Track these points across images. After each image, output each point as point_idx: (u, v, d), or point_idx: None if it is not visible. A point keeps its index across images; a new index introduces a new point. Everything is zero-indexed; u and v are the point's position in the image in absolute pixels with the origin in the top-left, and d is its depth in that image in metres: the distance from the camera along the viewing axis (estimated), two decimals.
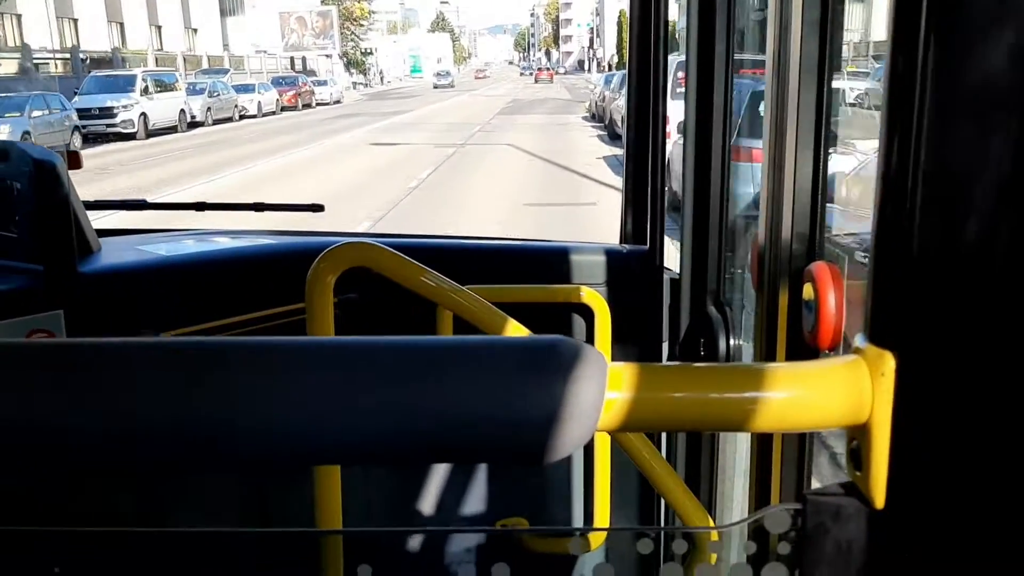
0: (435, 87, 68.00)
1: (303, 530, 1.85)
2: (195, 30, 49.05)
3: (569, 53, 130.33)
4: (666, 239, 2.22)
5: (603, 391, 0.56)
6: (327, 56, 64.86)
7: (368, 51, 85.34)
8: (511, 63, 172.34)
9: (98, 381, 0.55)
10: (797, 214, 1.41)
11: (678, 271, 2.10)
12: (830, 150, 1.44)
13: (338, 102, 45.85)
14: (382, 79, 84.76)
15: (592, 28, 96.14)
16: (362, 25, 78.98)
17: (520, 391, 0.55)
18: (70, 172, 1.92)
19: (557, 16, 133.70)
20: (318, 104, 43.25)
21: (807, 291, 1.33)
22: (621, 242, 2.38)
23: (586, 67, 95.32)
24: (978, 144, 0.52)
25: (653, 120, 2.20)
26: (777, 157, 1.45)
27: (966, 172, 0.53)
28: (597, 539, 2.15)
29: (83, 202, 2.03)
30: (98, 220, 2.22)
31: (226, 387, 0.55)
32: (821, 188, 1.41)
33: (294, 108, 39.98)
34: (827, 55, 1.38)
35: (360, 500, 2.19)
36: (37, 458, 0.56)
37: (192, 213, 2.67)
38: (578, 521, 2.37)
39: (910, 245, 0.54)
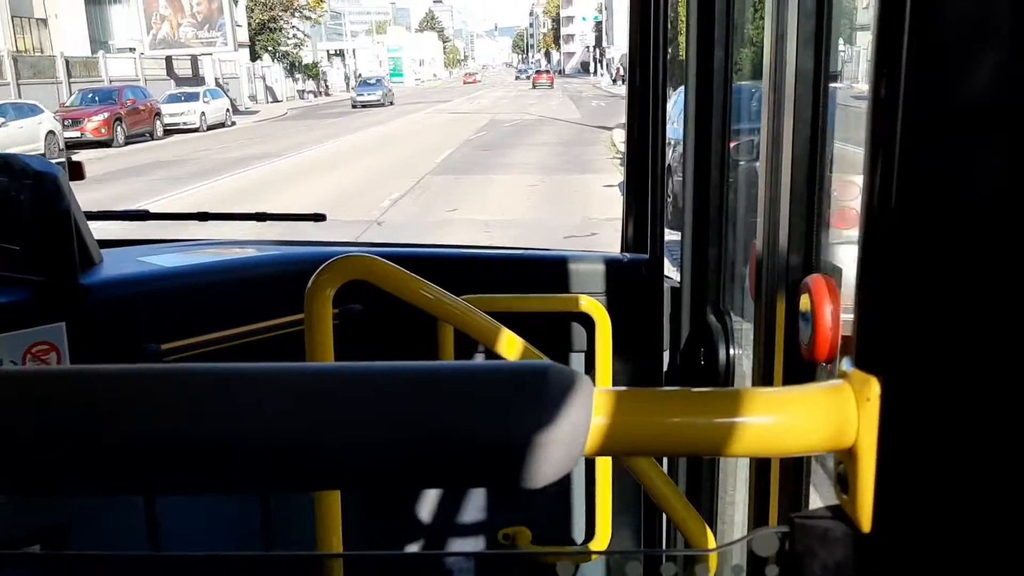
0: (354, 106, 42.82)
1: (303, 553, 1.86)
2: (43, 21, 35.31)
3: (571, 54, 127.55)
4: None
5: (589, 417, 0.57)
6: (260, 59, 44.32)
7: (338, 52, 73.24)
8: (509, 65, 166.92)
9: (103, 406, 0.57)
10: (794, 226, 1.42)
11: (678, 280, 2.10)
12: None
13: (222, 125, 30.80)
14: (348, 85, 63.60)
15: (599, 23, 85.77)
16: (308, 18, 56.96)
17: (506, 417, 0.56)
18: (71, 183, 1.93)
19: (558, 13, 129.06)
20: (172, 130, 28.22)
21: (804, 303, 1.33)
22: (622, 251, 2.38)
23: (592, 69, 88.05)
24: (962, 167, 0.53)
25: (653, 129, 2.20)
26: (774, 169, 1.45)
27: (951, 196, 0.53)
28: (597, 549, 2.15)
29: (84, 213, 2.04)
30: (99, 231, 2.22)
31: (224, 414, 0.57)
32: (818, 200, 1.41)
33: (106, 143, 24.44)
34: (823, 67, 1.39)
35: (362, 508, 2.19)
36: (43, 479, 0.57)
37: (193, 224, 2.68)
38: (580, 530, 2.37)
39: (895, 270, 0.55)
